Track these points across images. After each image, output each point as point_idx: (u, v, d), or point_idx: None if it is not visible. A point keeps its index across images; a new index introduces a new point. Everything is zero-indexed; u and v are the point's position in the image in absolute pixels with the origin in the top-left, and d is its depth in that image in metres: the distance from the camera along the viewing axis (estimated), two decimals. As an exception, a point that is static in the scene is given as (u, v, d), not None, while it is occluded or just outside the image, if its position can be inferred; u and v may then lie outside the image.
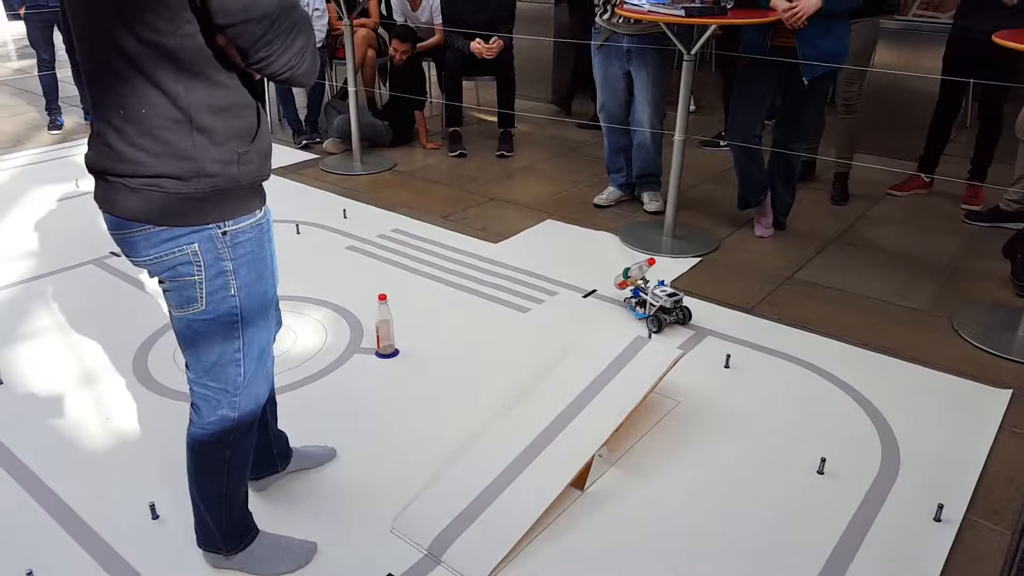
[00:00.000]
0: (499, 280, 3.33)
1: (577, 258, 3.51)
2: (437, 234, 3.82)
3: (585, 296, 3.17)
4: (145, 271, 1.55)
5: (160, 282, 1.55)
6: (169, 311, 1.61)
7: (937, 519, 2.01)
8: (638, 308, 2.99)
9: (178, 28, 1.31)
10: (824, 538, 1.96)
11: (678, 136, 3.45)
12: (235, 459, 1.72)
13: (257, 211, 1.55)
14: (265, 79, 1.46)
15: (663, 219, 3.72)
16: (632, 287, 3.01)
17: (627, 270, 3.00)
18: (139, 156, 1.39)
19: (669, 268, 3.42)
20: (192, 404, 1.68)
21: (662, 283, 2.97)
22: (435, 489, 2.08)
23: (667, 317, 2.91)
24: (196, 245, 1.47)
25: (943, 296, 3.22)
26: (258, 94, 1.50)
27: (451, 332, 2.93)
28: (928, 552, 1.92)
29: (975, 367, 2.70)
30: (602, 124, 4.12)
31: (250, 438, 1.76)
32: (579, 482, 2.10)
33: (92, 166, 1.46)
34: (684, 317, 2.94)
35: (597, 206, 4.19)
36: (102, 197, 1.48)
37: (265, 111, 1.55)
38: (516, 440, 2.18)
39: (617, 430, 2.18)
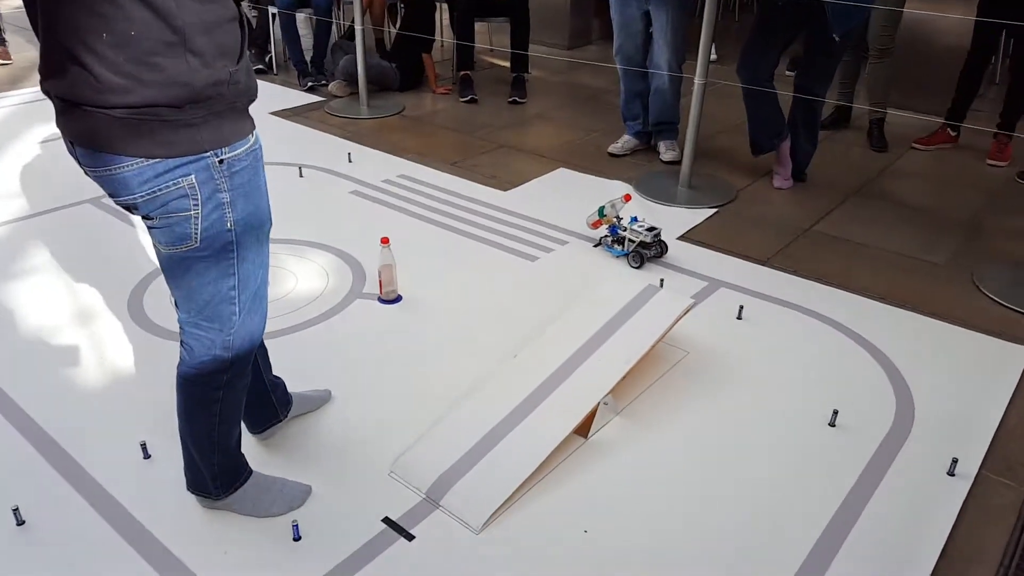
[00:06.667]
0: (508, 228, 3.25)
1: (589, 207, 3.40)
2: (445, 181, 3.73)
3: (595, 245, 3.08)
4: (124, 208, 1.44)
5: (146, 218, 1.43)
6: (156, 248, 1.51)
7: (951, 473, 1.95)
8: (616, 246, 2.98)
9: None
10: (834, 490, 1.90)
11: (698, 80, 3.32)
12: (227, 400, 1.66)
13: (250, 135, 1.45)
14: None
15: (679, 169, 3.61)
16: (608, 225, 2.98)
17: (601, 209, 2.98)
18: (129, 85, 1.26)
19: (684, 219, 3.33)
20: (182, 343, 1.61)
21: (635, 219, 2.94)
22: (436, 433, 2.03)
23: (647, 252, 2.89)
24: (193, 176, 1.37)
25: (965, 252, 3.11)
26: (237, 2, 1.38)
27: (457, 279, 2.85)
28: (940, 506, 1.86)
29: (995, 323, 2.61)
30: (618, 67, 3.98)
31: (244, 379, 1.69)
32: (583, 430, 2.04)
33: (64, 95, 1.30)
34: (662, 250, 2.94)
35: (612, 155, 4.08)
36: (80, 130, 1.33)
37: (246, 30, 1.44)
38: (520, 386, 2.13)
39: (624, 379, 2.11)
